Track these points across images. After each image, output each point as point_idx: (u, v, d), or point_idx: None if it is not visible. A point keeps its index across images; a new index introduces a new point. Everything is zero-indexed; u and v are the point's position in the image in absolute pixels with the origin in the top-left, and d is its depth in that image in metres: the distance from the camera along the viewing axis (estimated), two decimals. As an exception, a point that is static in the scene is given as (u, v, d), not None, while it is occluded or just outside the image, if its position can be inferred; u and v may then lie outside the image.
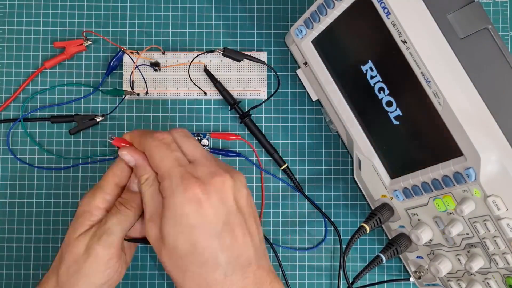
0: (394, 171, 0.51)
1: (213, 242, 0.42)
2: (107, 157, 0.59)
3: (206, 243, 0.42)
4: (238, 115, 0.59)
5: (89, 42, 0.59)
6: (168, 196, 0.42)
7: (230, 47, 0.60)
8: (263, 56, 0.59)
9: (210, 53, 0.59)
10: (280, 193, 0.59)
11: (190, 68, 0.59)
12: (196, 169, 0.43)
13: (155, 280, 0.58)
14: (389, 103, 0.49)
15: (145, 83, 0.58)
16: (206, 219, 0.42)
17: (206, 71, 0.58)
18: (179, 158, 0.44)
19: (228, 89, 0.59)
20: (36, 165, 0.58)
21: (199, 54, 0.59)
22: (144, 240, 0.47)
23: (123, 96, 0.58)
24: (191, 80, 0.59)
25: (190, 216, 0.41)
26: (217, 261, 0.42)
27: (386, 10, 0.45)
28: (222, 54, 0.58)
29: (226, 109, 0.60)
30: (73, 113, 0.59)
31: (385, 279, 0.59)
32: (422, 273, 0.54)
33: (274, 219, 0.59)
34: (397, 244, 0.53)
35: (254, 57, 0.58)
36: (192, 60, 0.59)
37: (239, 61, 0.59)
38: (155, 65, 0.58)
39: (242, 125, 0.59)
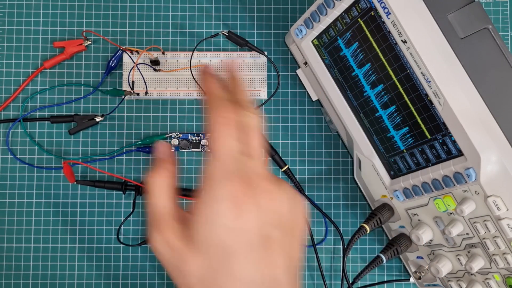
0: (394, 171, 0.51)
1: (248, 253, 0.35)
2: (106, 157, 0.58)
3: (241, 252, 0.35)
4: (238, 115, 0.59)
5: (89, 42, 0.59)
6: (207, 187, 0.36)
7: (230, 47, 0.60)
8: (263, 56, 0.59)
9: (210, 52, 0.59)
10: (280, 193, 0.59)
11: (189, 70, 0.59)
12: (246, 165, 0.37)
13: (155, 280, 0.58)
14: (388, 103, 0.49)
15: (145, 83, 0.58)
16: (244, 225, 0.35)
17: (206, 71, 0.58)
18: (236, 148, 0.37)
19: (228, 89, 0.59)
20: (36, 165, 0.58)
21: (201, 41, 0.59)
22: None
23: (123, 96, 0.58)
24: (192, 77, 0.59)
25: (227, 216, 0.35)
26: (251, 278, 0.35)
27: (386, 10, 0.45)
28: (226, 37, 0.58)
29: (226, 109, 0.60)
30: (73, 113, 0.59)
31: (385, 280, 0.59)
32: (422, 274, 0.54)
33: (274, 219, 0.59)
34: (397, 244, 0.53)
35: (256, 47, 0.58)
36: (193, 51, 0.59)
37: (241, 45, 0.59)
38: (155, 63, 0.58)
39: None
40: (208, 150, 0.37)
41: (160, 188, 0.38)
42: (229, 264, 0.35)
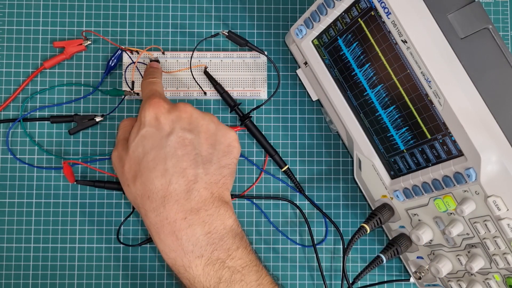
0: (394, 171, 0.51)
1: (165, 149, 0.46)
2: (106, 157, 0.58)
3: (160, 148, 0.46)
4: (238, 117, 0.59)
5: (89, 42, 0.59)
6: (140, 111, 0.49)
7: (230, 47, 0.60)
8: (263, 56, 0.59)
9: (210, 52, 0.59)
10: (280, 193, 0.59)
11: (189, 70, 0.59)
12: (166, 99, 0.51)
13: (155, 280, 0.58)
14: (388, 103, 0.49)
15: (145, 83, 0.58)
16: (162, 128, 0.47)
17: (206, 73, 0.58)
18: (155, 90, 0.52)
19: (228, 89, 0.59)
20: (35, 165, 0.58)
21: (201, 41, 0.59)
22: None
23: (123, 96, 0.58)
24: (192, 77, 0.59)
25: (151, 122, 0.47)
26: (166, 167, 0.46)
27: (386, 10, 0.45)
28: (226, 37, 0.58)
29: (226, 109, 0.60)
30: (73, 113, 0.59)
31: (385, 280, 0.59)
32: (423, 274, 0.54)
33: (274, 219, 0.59)
34: (398, 244, 0.53)
35: (256, 47, 0.58)
36: (193, 51, 0.59)
37: (241, 45, 0.58)
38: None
39: (242, 126, 0.59)
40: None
41: (127, 126, 0.51)
42: (149, 159, 0.47)
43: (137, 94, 0.58)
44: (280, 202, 0.59)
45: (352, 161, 0.56)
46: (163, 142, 0.47)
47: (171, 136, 0.47)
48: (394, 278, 0.59)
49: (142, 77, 0.56)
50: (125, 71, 0.58)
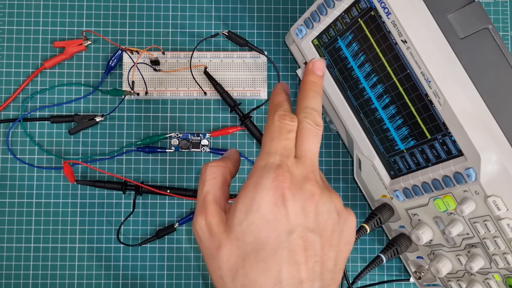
0: (394, 171, 0.51)
1: (283, 250, 0.35)
2: (106, 157, 0.58)
3: (276, 248, 0.35)
4: (238, 117, 0.59)
5: (89, 42, 0.59)
6: (253, 177, 0.36)
7: (230, 47, 0.60)
8: (263, 56, 0.59)
9: (210, 52, 0.59)
10: (280, 193, 0.59)
11: (189, 70, 0.59)
12: (297, 166, 0.37)
13: (155, 280, 0.58)
14: (388, 103, 0.49)
15: (145, 83, 0.58)
16: (283, 221, 0.35)
17: (206, 73, 0.58)
18: (287, 147, 0.38)
19: (228, 89, 0.59)
20: (36, 165, 0.58)
21: (201, 41, 0.59)
22: None
23: (123, 96, 0.58)
24: (192, 77, 0.59)
25: (268, 208, 0.35)
26: (280, 275, 0.35)
27: (386, 10, 0.45)
28: (226, 37, 0.58)
29: (226, 109, 0.60)
30: (73, 113, 0.59)
31: (385, 280, 0.59)
32: (422, 273, 0.54)
33: (274, 219, 0.59)
34: (397, 244, 0.53)
35: (256, 47, 0.58)
36: (193, 51, 0.59)
37: (241, 45, 0.59)
38: (155, 63, 0.58)
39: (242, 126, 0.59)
40: (261, 146, 0.39)
41: (215, 177, 0.39)
42: (259, 257, 0.35)
43: (137, 94, 0.58)
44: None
45: (352, 161, 0.56)
46: (281, 240, 0.35)
47: (292, 235, 0.35)
48: (394, 278, 0.59)
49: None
50: (128, 72, 0.58)
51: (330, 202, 0.37)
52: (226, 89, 0.58)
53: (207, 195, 0.38)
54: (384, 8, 0.45)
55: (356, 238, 0.51)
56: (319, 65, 0.41)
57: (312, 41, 0.53)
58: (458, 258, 0.50)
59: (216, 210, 0.37)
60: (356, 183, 0.58)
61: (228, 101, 0.58)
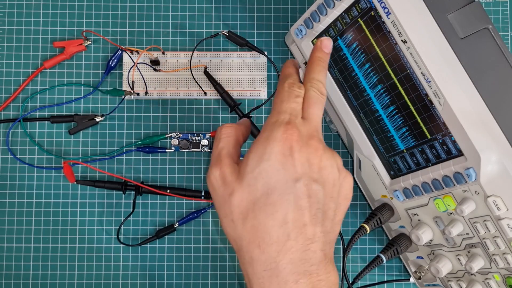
0: (394, 171, 0.51)
1: (289, 195, 0.39)
2: (106, 157, 0.58)
3: (284, 193, 0.39)
4: (238, 117, 0.59)
5: (89, 42, 0.59)
6: (265, 131, 0.41)
7: (230, 47, 0.60)
8: (263, 56, 0.59)
9: (210, 52, 0.59)
10: (280, 193, 0.59)
11: (189, 70, 0.59)
12: (303, 125, 0.41)
13: (155, 280, 0.58)
14: (388, 103, 0.49)
15: (145, 83, 0.58)
16: (291, 169, 0.39)
17: (206, 73, 0.58)
18: (296, 109, 0.42)
19: (228, 89, 0.59)
20: (36, 165, 0.58)
21: (201, 41, 0.59)
22: None
23: (123, 96, 0.58)
24: (192, 77, 0.59)
25: (278, 157, 0.39)
26: (286, 217, 0.39)
27: (386, 10, 0.45)
28: (226, 37, 0.58)
29: (226, 109, 0.60)
30: (73, 113, 0.59)
31: (385, 279, 0.59)
32: (422, 273, 0.54)
33: (274, 219, 0.59)
34: (397, 244, 0.53)
35: (256, 47, 0.58)
36: (193, 51, 0.59)
37: (241, 45, 0.59)
38: (155, 63, 0.58)
39: (242, 125, 0.59)
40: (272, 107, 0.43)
41: (230, 136, 0.44)
42: (268, 201, 0.39)
43: (137, 94, 0.58)
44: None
45: (352, 161, 0.56)
46: (288, 186, 0.39)
47: (298, 183, 0.39)
48: (394, 278, 0.59)
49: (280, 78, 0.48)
50: (128, 72, 0.58)
51: (332, 158, 0.41)
52: (226, 89, 0.58)
53: (222, 150, 0.43)
54: (384, 8, 0.45)
55: (356, 238, 0.51)
56: (327, 43, 0.46)
57: (312, 41, 0.53)
58: (458, 258, 0.50)
59: (229, 162, 0.42)
60: (356, 183, 0.58)
61: (228, 101, 0.58)
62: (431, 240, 0.52)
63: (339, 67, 0.52)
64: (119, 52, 0.58)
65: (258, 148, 0.40)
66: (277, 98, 0.43)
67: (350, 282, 0.53)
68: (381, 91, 0.49)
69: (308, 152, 0.40)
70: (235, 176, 0.41)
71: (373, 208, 0.55)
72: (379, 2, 0.45)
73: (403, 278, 0.59)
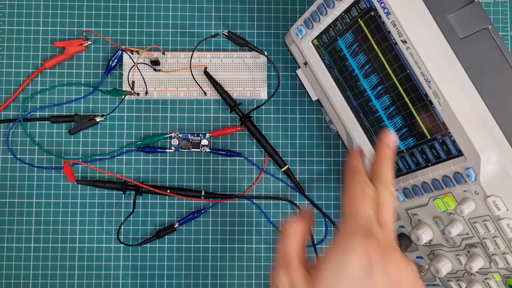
0: (394, 171, 0.51)
1: None
2: (106, 157, 0.59)
3: None
4: (238, 117, 0.59)
5: (89, 42, 0.59)
6: (342, 237, 0.38)
7: (230, 47, 0.60)
8: (263, 56, 0.59)
9: (210, 52, 0.59)
10: (280, 193, 0.59)
11: (189, 70, 0.59)
12: (381, 233, 0.38)
13: (155, 280, 0.58)
14: (388, 103, 0.49)
15: (145, 83, 0.58)
16: (369, 285, 0.36)
17: (206, 73, 0.58)
18: (372, 215, 0.39)
19: (228, 89, 0.59)
20: (36, 165, 0.58)
21: (201, 41, 0.59)
22: None
23: (123, 96, 0.58)
24: (192, 77, 0.59)
25: (356, 271, 0.36)
26: None
27: (386, 10, 0.45)
28: (226, 37, 0.58)
29: (226, 109, 0.60)
30: (73, 113, 0.59)
31: (385, 279, 0.59)
32: (422, 273, 0.54)
33: (274, 219, 0.59)
34: (397, 244, 0.53)
35: (256, 47, 0.58)
36: (193, 51, 0.59)
37: (241, 45, 0.59)
38: (155, 63, 0.58)
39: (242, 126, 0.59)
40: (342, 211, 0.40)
41: (296, 233, 0.40)
42: None
43: (137, 94, 0.58)
44: (280, 202, 0.59)
45: (352, 161, 0.56)
46: None
47: None
48: (394, 278, 0.59)
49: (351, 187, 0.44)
50: (128, 72, 0.58)
51: (410, 269, 0.38)
52: (226, 89, 0.58)
53: (291, 250, 0.39)
54: (384, 8, 0.45)
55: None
56: (394, 138, 0.43)
57: (312, 41, 0.53)
58: (458, 258, 0.50)
59: (299, 268, 0.38)
60: (356, 183, 0.58)
61: (228, 101, 0.58)
62: (431, 240, 0.52)
63: (339, 67, 0.52)
64: (119, 52, 0.58)
65: (335, 256, 0.37)
66: (349, 198, 0.40)
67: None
68: (381, 91, 0.49)
69: (388, 265, 0.37)
70: (307, 287, 0.37)
71: (373, 208, 0.55)
72: (379, 2, 0.45)
73: (403, 278, 0.59)
